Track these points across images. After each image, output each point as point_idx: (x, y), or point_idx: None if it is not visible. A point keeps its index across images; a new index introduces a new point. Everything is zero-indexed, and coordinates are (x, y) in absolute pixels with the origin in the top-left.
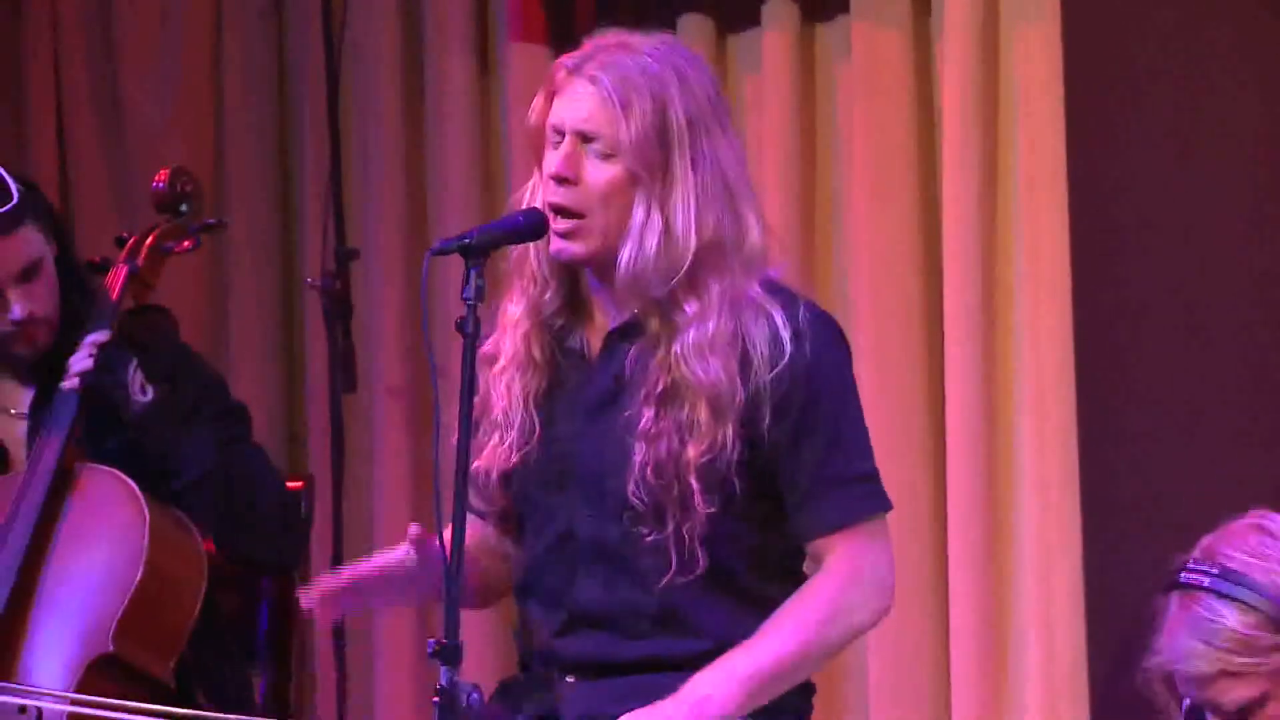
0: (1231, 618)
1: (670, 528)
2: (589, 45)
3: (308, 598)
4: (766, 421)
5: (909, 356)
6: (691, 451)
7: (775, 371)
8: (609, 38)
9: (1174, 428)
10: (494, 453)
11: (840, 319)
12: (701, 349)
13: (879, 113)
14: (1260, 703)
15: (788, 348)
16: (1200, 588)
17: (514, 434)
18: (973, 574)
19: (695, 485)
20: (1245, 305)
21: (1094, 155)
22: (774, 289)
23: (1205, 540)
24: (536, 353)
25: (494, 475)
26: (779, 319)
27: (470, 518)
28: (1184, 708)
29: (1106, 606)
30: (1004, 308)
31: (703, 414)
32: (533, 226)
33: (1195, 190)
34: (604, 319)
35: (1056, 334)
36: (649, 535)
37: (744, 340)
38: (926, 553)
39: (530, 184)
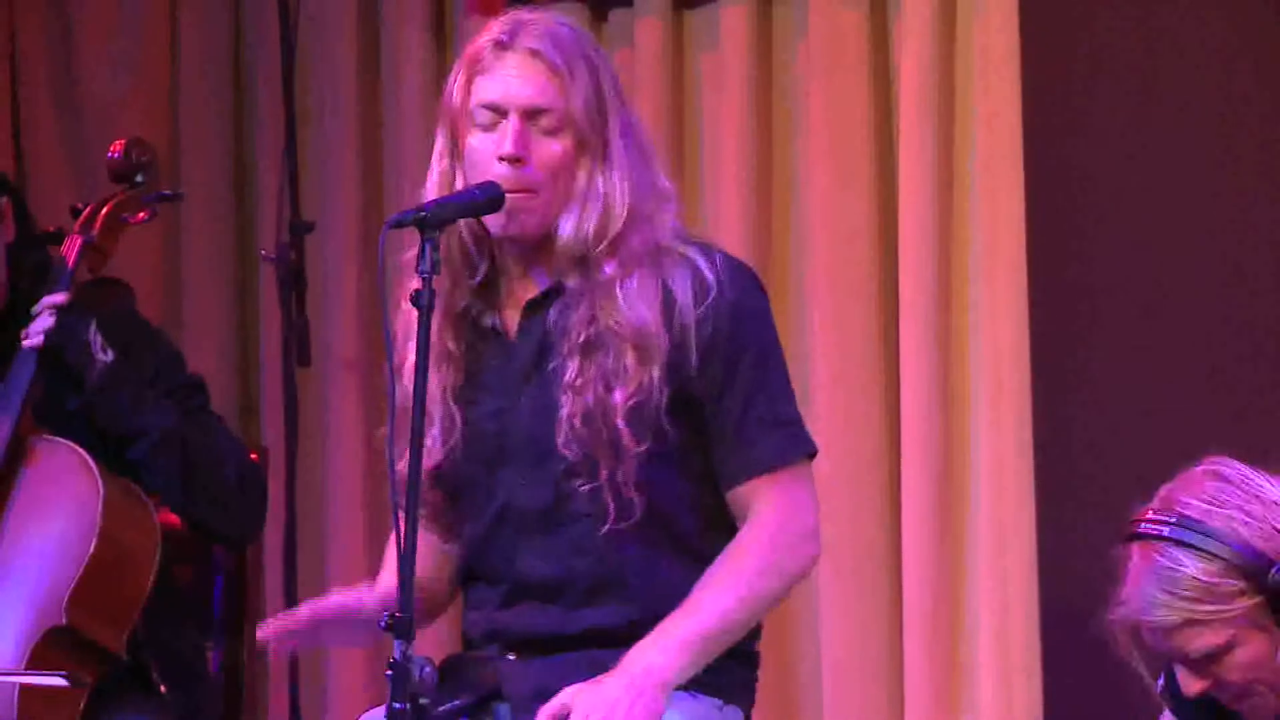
0: (1192, 566)
1: (604, 475)
2: (506, 22)
3: (264, 631)
4: (694, 362)
5: (865, 334)
6: (618, 396)
7: (699, 312)
8: (520, 13)
9: (1129, 407)
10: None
11: (797, 296)
12: (628, 297)
13: (837, 90)
14: (1227, 649)
15: (712, 289)
16: (1160, 537)
17: (436, 430)
18: (927, 552)
19: (623, 427)
20: (1201, 286)
21: (1051, 134)
22: (687, 239)
23: (1163, 489)
24: (451, 345)
25: (423, 475)
26: (701, 262)
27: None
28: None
29: (1060, 585)
30: (960, 286)
31: (629, 359)
32: (490, 201)
33: (1153, 169)
34: (521, 292)
35: (1012, 313)
36: (583, 485)
37: (665, 285)
38: (881, 531)
39: (438, 169)
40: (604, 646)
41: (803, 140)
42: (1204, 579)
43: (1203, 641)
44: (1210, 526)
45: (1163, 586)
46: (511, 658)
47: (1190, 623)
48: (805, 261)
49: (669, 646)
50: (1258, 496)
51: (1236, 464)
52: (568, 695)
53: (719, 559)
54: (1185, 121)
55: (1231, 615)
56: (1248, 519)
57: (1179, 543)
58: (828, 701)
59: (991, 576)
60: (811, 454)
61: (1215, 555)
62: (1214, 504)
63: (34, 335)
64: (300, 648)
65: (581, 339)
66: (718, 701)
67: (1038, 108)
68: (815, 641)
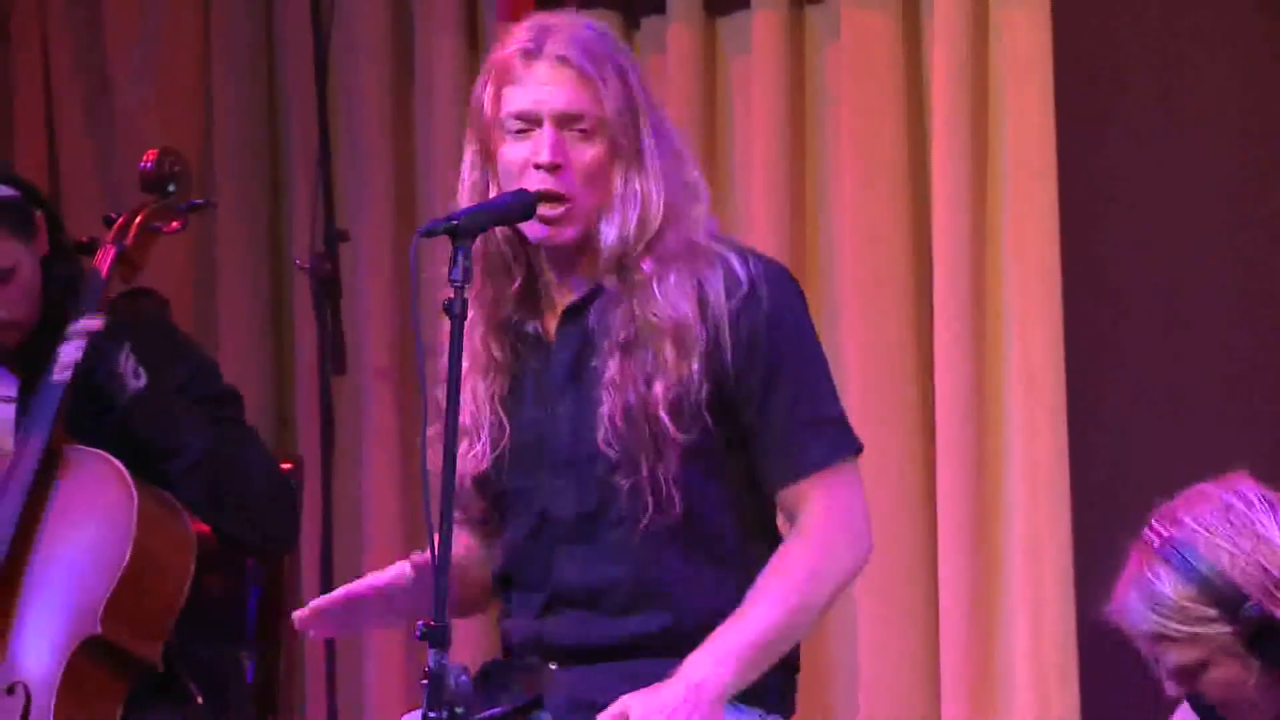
0: (1169, 585)
1: (645, 470)
2: (531, 29)
3: (300, 616)
4: (729, 359)
5: (898, 339)
6: (659, 388)
7: (731, 307)
8: (545, 18)
9: (1161, 410)
10: (465, 460)
11: (829, 302)
12: (666, 293)
13: (868, 95)
14: (1200, 667)
15: (743, 285)
16: (1151, 547)
17: (484, 438)
18: (962, 555)
19: (666, 419)
20: (1230, 290)
21: (1083, 138)
22: (722, 239)
23: (1178, 497)
24: (497, 353)
25: (468, 482)
26: (733, 260)
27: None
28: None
29: (1095, 587)
30: (993, 290)
31: (668, 352)
32: (522, 207)
33: (1185, 172)
34: (560, 298)
35: (1046, 316)
36: (623, 481)
37: (700, 283)
38: (917, 534)
39: (469, 179)
40: (644, 656)
41: (834, 144)
42: (1178, 600)
43: (1176, 657)
44: (1195, 551)
45: (1141, 597)
46: (553, 667)
47: (1163, 637)
48: (837, 266)
49: (724, 657)
50: (1253, 531)
51: (1252, 490)
52: (626, 702)
53: (768, 566)
54: (1217, 125)
55: (1203, 639)
56: (1234, 551)
57: (1163, 559)
58: (864, 707)
59: (1027, 578)
60: (858, 451)
61: (1191, 580)
62: (1207, 530)
63: (61, 369)
64: (337, 633)
65: (622, 338)
66: (759, 711)
67: (1070, 111)
68: (851, 647)
